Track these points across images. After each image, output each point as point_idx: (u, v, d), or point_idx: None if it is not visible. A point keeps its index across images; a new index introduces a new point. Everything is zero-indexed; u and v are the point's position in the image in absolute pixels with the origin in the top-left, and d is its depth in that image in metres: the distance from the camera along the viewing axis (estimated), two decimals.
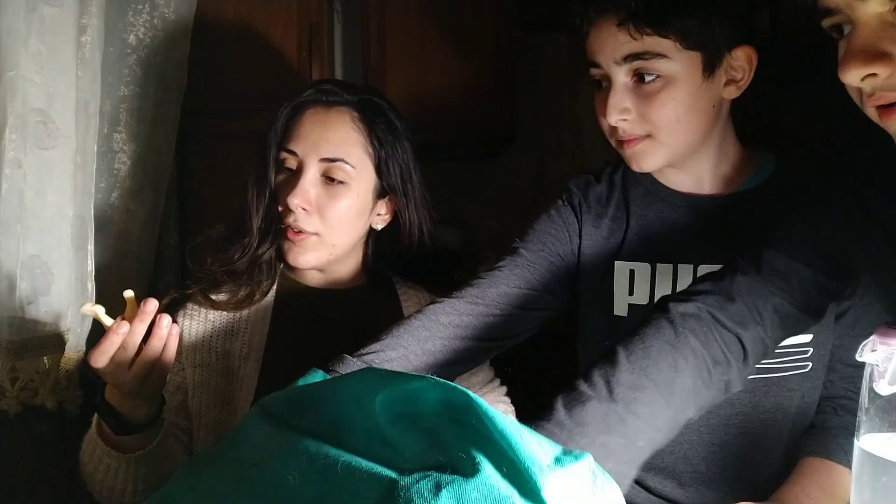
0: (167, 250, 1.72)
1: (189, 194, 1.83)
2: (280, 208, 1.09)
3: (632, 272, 1.03)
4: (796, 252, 0.83)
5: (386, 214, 1.16)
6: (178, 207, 1.77)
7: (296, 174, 1.08)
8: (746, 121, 1.04)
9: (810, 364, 0.97)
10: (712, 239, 0.99)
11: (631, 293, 1.03)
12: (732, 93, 0.96)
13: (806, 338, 0.96)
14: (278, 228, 1.09)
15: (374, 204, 1.14)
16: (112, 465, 0.97)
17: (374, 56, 2.40)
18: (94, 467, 0.98)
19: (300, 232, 1.08)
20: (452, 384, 0.57)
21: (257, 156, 1.12)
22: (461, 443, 0.54)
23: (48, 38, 1.14)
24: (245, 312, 1.10)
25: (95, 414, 0.97)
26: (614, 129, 0.97)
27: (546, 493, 0.50)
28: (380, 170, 1.11)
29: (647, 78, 0.92)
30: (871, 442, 0.65)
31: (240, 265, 1.08)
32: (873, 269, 0.83)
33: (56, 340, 1.18)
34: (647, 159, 0.97)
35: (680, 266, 1.00)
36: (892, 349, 0.64)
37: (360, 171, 1.08)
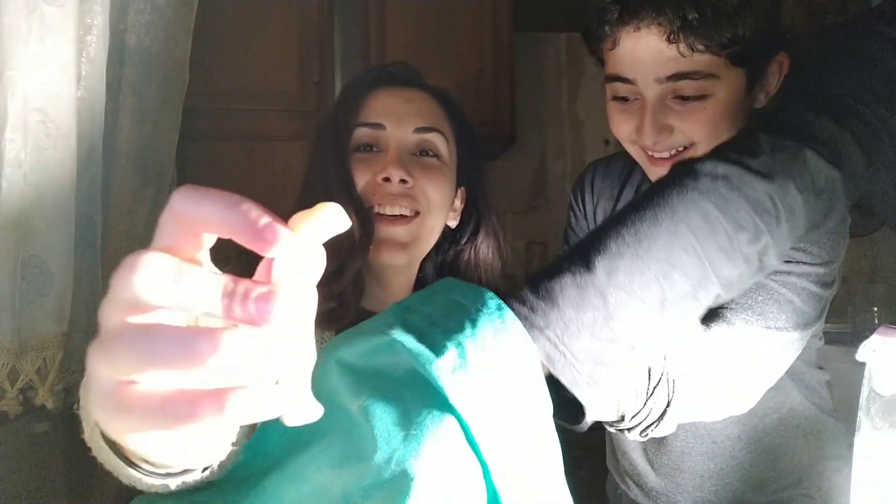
0: None
1: None
2: (365, 195, 0.91)
3: None
4: (822, 108, 0.70)
5: (456, 212, 1.04)
6: None
7: (381, 151, 0.93)
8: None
9: None
10: None
11: None
12: (762, 101, 0.90)
13: None
14: (372, 229, 0.90)
15: (455, 193, 1.02)
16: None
17: (374, 56, 2.40)
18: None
19: (397, 218, 0.92)
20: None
21: (322, 145, 0.96)
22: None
23: (48, 37, 1.14)
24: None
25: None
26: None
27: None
28: (461, 153, 1.01)
29: (688, 96, 0.84)
30: (871, 442, 0.65)
31: (333, 279, 0.88)
32: None
33: (56, 341, 1.18)
34: None
35: None
36: (893, 349, 0.64)
37: (450, 149, 0.98)
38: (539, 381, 0.55)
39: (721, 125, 0.86)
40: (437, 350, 0.51)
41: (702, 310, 0.64)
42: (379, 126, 0.93)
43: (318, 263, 0.33)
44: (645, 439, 0.74)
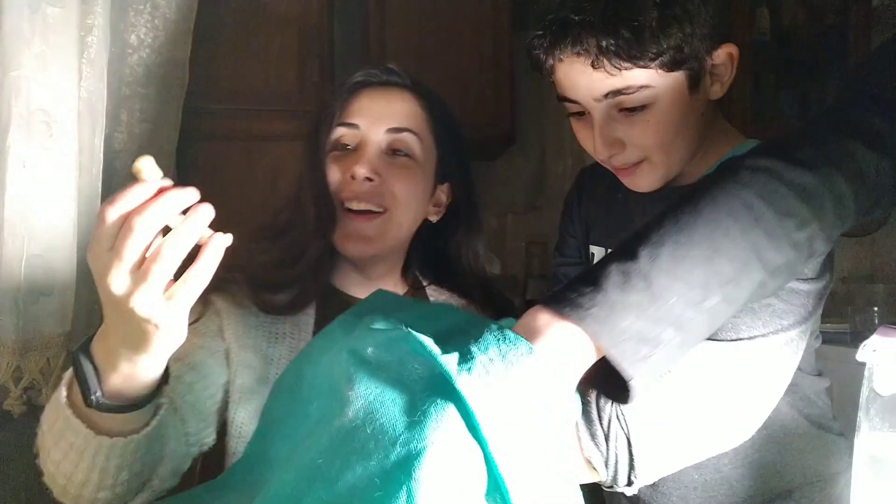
0: None
1: None
2: (337, 191, 0.96)
3: (592, 256, 1.08)
4: (873, 106, 0.72)
5: (440, 207, 1.08)
6: None
7: (356, 149, 0.98)
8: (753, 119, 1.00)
9: None
10: None
11: None
12: (718, 92, 0.91)
13: None
14: (332, 219, 0.96)
15: (434, 189, 1.06)
16: (76, 443, 0.66)
17: (374, 56, 2.40)
18: (53, 442, 0.68)
19: (364, 213, 0.96)
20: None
21: (308, 143, 1.01)
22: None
23: (51, 38, 1.14)
24: (289, 318, 0.96)
25: (68, 371, 0.66)
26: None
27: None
28: (441, 151, 1.04)
29: (632, 107, 0.86)
30: (871, 442, 0.65)
31: (292, 264, 0.95)
32: None
33: (59, 340, 1.18)
34: (645, 181, 0.93)
35: None
36: (893, 349, 0.64)
37: (425, 148, 1.01)
38: (550, 392, 0.58)
39: (670, 129, 0.87)
40: (447, 350, 0.56)
41: (746, 296, 0.65)
42: (353, 126, 0.98)
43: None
44: (636, 490, 0.72)
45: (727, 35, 0.89)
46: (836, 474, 0.96)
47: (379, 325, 0.62)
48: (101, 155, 1.30)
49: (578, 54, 0.83)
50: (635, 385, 0.60)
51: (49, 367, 1.17)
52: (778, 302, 0.79)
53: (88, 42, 1.25)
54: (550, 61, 0.88)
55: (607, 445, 0.70)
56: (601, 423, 0.70)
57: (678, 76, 0.85)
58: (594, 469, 0.71)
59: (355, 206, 0.95)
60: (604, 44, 0.81)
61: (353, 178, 0.95)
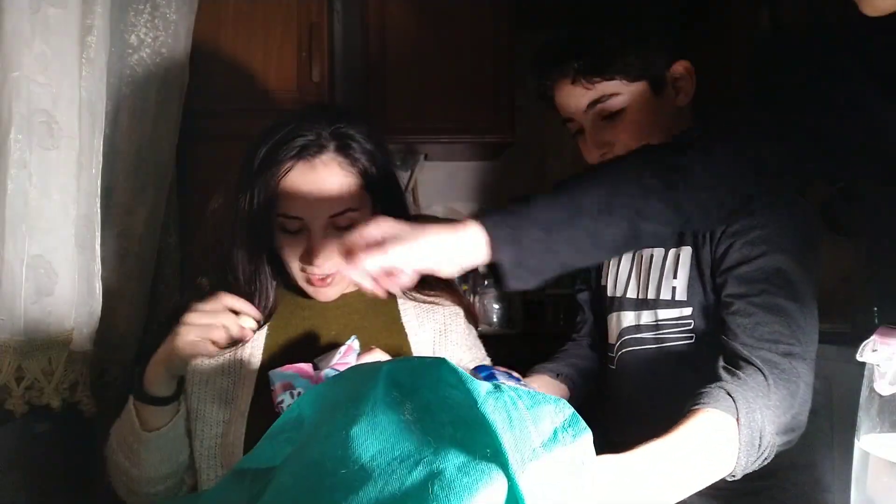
0: (167, 250, 1.72)
1: (189, 194, 1.84)
2: (295, 266, 1.09)
3: None
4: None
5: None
6: (178, 207, 1.78)
7: (302, 232, 1.07)
8: None
9: (694, 336, 1.05)
10: None
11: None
12: (683, 100, 1.13)
13: (686, 310, 1.06)
14: (272, 279, 1.12)
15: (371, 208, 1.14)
16: (133, 444, 1.02)
17: (374, 56, 2.40)
18: (123, 454, 1.04)
19: (326, 277, 1.08)
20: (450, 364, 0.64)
21: (242, 214, 1.08)
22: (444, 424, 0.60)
23: (52, 38, 1.14)
24: None
25: (131, 397, 1.02)
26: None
27: (521, 483, 0.54)
28: (371, 189, 1.10)
29: (611, 113, 1.10)
30: (871, 442, 0.66)
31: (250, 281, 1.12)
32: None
33: (61, 340, 1.18)
34: None
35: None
36: (893, 349, 0.64)
37: (362, 205, 1.08)
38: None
39: (645, 128, 1.09)
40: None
41: (610, 235, 0.87)
42: (297, 219, 1.05)
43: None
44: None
45: (681, 54, 1.12)
46: (819, 459, 1.05)
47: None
48: (101, 155, 1.30)
49: (561, 77, 1.12)
50: (504, 263, 0.82)
51: (50, 366, 1.17)
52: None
53: (88, 42, 1.25)
54: (549, 89, 1.15)
55: (756, 460, 0.86)
56: (759, 448, 0.85)
57: (642, 85, 1.09)
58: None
59: (318, 272, 1.07)
60: (576, 65, 1.09)
61: (310, 263, 1.06)
